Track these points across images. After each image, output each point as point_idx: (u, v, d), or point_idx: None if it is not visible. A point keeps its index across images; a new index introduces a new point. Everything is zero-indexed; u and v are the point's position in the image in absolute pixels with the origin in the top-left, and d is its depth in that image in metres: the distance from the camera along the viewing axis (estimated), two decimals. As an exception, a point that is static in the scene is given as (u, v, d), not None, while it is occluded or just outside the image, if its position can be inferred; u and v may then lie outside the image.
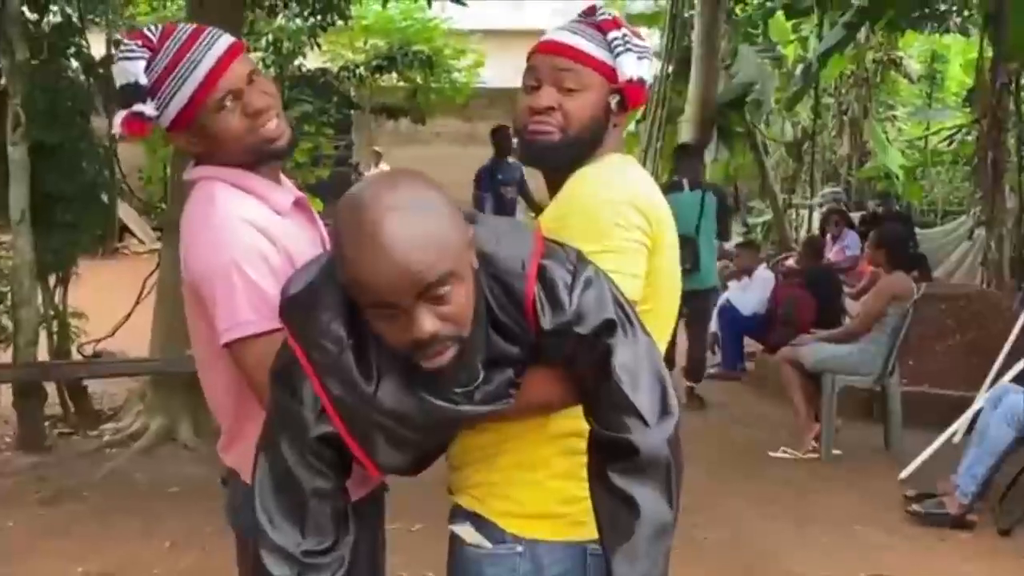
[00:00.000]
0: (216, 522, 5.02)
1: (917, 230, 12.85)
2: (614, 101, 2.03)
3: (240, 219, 1.92)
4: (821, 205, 14.08)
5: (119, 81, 1.95)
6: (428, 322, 1.58)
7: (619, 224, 1.90)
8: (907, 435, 6.68)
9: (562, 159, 2.02)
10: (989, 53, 11.43)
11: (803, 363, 6.75)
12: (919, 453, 6.11)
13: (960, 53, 19.78)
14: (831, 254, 11.17)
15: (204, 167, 2.04)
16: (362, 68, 13.35)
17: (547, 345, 1.74)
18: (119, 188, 8.01)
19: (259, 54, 10.10)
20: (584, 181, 1.98)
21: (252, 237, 1.91)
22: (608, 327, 1.72)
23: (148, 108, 1.94)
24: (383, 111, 13.69)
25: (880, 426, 6.92)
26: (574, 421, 1.86)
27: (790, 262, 11.12)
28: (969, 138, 17.00)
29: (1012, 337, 6.59)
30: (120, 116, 1.93)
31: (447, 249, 1.58)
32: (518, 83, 2.07)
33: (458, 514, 1.98)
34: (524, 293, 1.71)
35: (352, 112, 14.01)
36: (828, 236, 11.64)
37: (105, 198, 7.46)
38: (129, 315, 7.73)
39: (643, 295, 1.94)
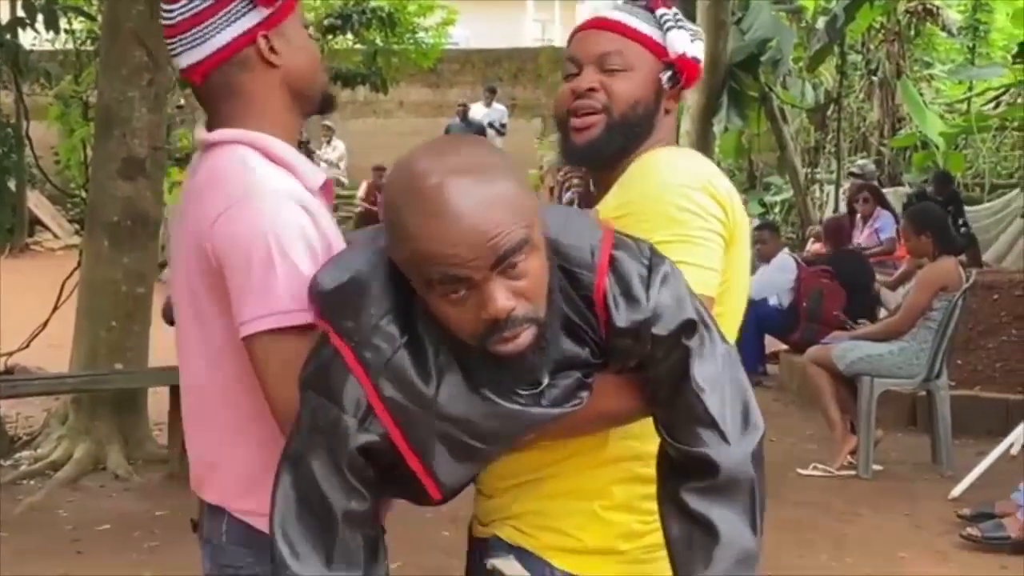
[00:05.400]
0: (157, 564, 5.01)
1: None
2: (665, 76, 2.11)
3: (278, 190, 1.91)
4: (851, 178, 14.07)
5: None
6: (503, 297, 1.60)
7: (692, 211, 1.94)
8: (958, 446, 6.71)
9: (609, 148, 2.07)
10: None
11: (835, 365, 6.76)
12: (972, 467, 6.15)
13: (1007, 0, 19.84)
14: (861, 237, 11.17)
15: (228, 130, 2.00)
16: (311, 28, 13.32)
17: (618, 347, 1.77)
18: (29, 173, 7.92)
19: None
20: (650, 165, 2.03)
21: (294, 212, 1.90)
22: (688, 329, 1.77)
23: None
24: (336, 78, 13.63)
25: (926, 436, 6.94)
26: (634, 443, 1.92)
27: (816, 246, 11.12)
28: (1020, 100, 17.08)
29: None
30: None
31: (521, 214, 1.61)
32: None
33: (497, 547, 1.99)
34: (595, 285, 1.74)
35: (301, 80, 13.93)
36: (858, 216, 11.62)
37: (13, 185, 7.38)
38: (45, 323, 7.66)
39: (717, 295, 1.97)
